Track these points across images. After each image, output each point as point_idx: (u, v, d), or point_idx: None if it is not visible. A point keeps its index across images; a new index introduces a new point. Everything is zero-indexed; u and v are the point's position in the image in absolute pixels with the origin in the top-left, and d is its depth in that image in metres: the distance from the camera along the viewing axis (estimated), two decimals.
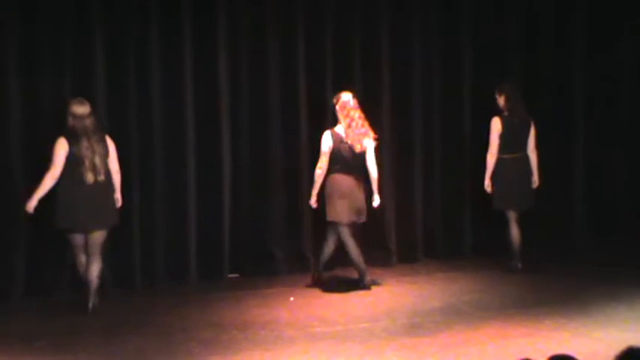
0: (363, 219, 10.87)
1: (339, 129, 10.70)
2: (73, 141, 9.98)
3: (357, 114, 10.72)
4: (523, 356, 4.64)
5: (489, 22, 12.16)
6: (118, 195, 10.30)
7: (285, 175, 11.51)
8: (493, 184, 11.27)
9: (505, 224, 11.28)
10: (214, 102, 11.36)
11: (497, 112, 11.23)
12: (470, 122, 12.01)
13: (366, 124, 10.77)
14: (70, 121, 10.01)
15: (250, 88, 11.53)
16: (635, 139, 12.60)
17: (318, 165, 10.73)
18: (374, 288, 10.89)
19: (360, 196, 10.76)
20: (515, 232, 11.25)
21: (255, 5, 11.48)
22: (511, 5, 12.26)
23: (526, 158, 11.26)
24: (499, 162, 11.22)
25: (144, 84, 11.12)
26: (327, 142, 10.69)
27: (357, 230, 10.96)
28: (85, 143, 9.97)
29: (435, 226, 12.19)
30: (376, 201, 10.84)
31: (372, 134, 10.77)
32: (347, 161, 10.70)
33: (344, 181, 10.71)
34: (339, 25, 11.71)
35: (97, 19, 10.85)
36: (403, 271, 11.64)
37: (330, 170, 10.69)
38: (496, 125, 11.17)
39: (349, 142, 10.67)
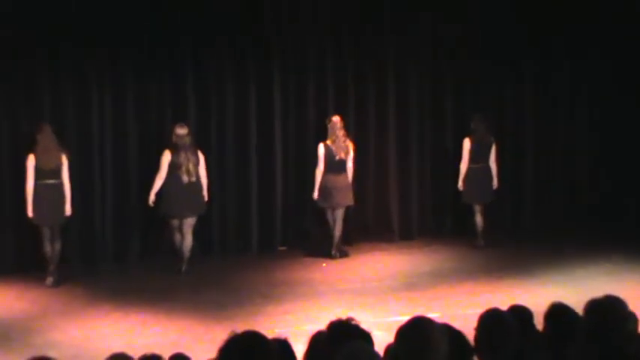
0: (348, 203, 10.80)
1: (330, 142, 10.68)
2: (174, 152, 10.08)
3: (342, 132, 10.68)
4: (489, 306, 4.50)
5: (467, 66, 11.79)
6: (205, 192, 10.29)
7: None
8: (464, 185, 11.18)
9: (472, 214, 11.16)
10: (270, 119, 11.23)
11: (470, 132, 11.12)
12: (452, 140, 11.76)
13: (348, 139, 10.76)
14: (174, 138, 10.12)
15: (296, 113, 11.41)
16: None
17: (317, 168, 10.68)
18: (349, 257, 10.77)
19: (342, 188, 10.69)
20: (479, 219, 11.10)
21: (299, 58, 11.34)
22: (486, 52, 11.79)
23: (488, 167, 11.13)
24: (468, 170, 11.10)
25: (221, 110, 11.07)
26: (322, 151, 10.65)
27: (350, 212, 10.97)
28: (182, 154, 10.06)
29: (427, 214, 11.93)
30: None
31: (351, 147, 10.75)
32: (333, 165, 10.67)
33: (330, 179, 10.65)
34: (357, 72, 11.55)
35: (188, 69, 10.88)
36: (403, 245, 11.47)
37: (323, 171, 10.69)
38: (467, 144, 11.09)
39: (334, 151, 10.67)
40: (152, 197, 10.17)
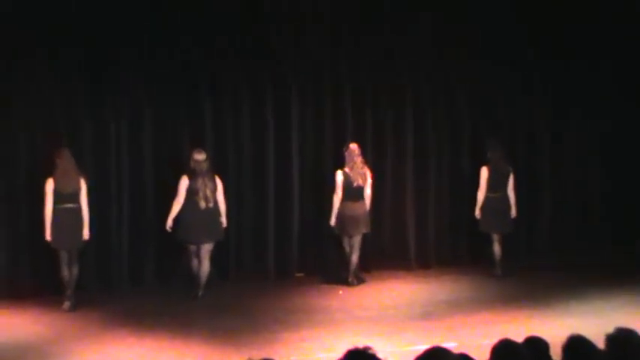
0: (365, 230, 10.75)
1: (347, 169, 10.66)
2: (192, 178, 10.08)
3: (359, 159, 10.66)
4: (504, 337, 4.52)
5: (483, 93, 11.82)
6: (223, 219, 10.31)
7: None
8: (482, 214, 11.13)
9: (490, 243, 11.08)
10: (288, 147, 11.23)
11: (487, 161, 11.07)
12: (469, 169, 11.64)
13: (365, 166, 10.73)
14: (192, 164, 10.13)
15: (314, 137, 11.39)
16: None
17: (335, 195, 10.65)
18: (366, 285, 10.72)
19: (359, 216, 10.64)
20: (496, 248, 11.02)
21: (317, 84, 11.38)
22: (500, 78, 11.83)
23: (506, 196, 11.07)
24: (486, 198, 11.04)
25: (237, 134, 11.07)
26: (339, 178, 10.63)
27: (367, 239, 10.89)
28: (200, 180, 10.06)
29: (444, 243, 11.84)
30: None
31: (369, 173, 10.72)
32: (351, 192, 10.63)
33: (348, 207, 10.63)
34: (375, 95, 11.57)
35: (204, 94, 10.85)
36: (420, 274, 11.40)
37: (341, 198, 10.64)
38: (484, 172, 11.04)
39: (352, 178, 10.64)
40: (169, 223, 10.19)
